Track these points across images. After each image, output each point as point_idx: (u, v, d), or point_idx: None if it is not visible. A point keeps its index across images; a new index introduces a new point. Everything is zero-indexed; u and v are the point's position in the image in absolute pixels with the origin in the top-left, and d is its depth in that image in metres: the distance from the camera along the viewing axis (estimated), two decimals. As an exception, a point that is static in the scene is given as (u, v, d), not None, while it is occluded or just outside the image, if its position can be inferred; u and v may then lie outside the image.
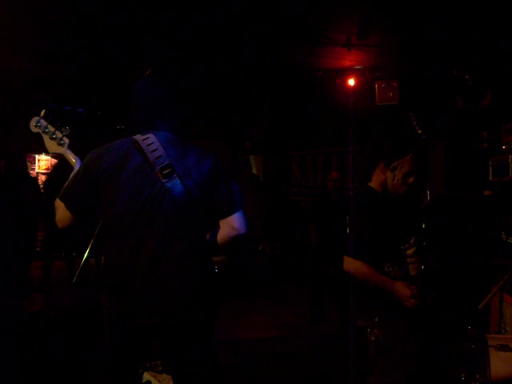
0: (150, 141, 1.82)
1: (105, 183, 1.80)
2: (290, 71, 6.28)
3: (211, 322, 1.88)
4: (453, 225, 5.10)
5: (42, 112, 2.11)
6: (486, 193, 4.90)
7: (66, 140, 2.11)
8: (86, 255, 2.92)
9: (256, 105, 7.67)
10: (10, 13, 4.37)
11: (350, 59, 5.72)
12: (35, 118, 2.10)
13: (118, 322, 1.81)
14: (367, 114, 6.16)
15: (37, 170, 9.12)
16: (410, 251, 2.44)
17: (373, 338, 2.34)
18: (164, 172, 1.77)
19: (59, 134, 2.10)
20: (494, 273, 3.75)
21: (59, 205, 1.87)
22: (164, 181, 1.76)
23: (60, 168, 6.47)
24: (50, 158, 9.24)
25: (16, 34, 4.94)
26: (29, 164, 8.83)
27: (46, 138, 2.11)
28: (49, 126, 2.10)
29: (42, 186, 7.07)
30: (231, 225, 1.87)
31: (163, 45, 5.26)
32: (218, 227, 1.91)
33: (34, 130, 2.11)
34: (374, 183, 2.50)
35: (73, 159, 2.09)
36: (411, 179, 2.43)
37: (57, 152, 2.12)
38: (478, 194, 5.02)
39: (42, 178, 8.89)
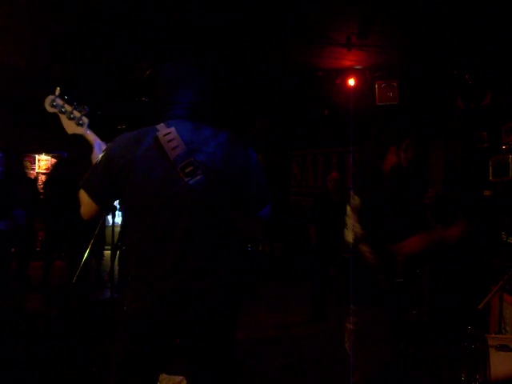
0: (171, 137, 1.75)
1: (127, 175, 1.73)
2: (290, 71, 6.28)
3: (235, 323, 1.84)
4: (453, 225, 5.10)
5: (57, 90, 1.96)
6: (486, 193, 4.90)
7: (86, 120, 1.98)
8: (86, 255, 2.93)
9: (256, 105, 7.67)
10: (10, 13, 4.37)
11: (350, 59, 5.72)
12: (50, 97, 1.95)
13: (142, 318, 1.74)
14: (367, 114, 6.16)
15: (37, 170, 9.13)
16: None
17: (351, 327, 2.35)
18: (186, 171, 1.71)
19: (77, 114, 1.97)
20: (494, 273, 3.75)
21: (84, 197, 1.81)
22: (186, 179, 1.71)
23: (60, 168, 6.47)
24: (49, 158, 9.25)
25: (16, 34, 4.95)
26: (29, 164, 8.82)
27: (63, 117, 1.97)
28: (65, 105, 1.96)
29: (41, 186, 7.07)
30: (258, 217, 1.89)
31: (163, 45, 5.26)
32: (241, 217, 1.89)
33: (50, 109, 1.95)
34: (386, 167, 2.52)
35: (94, 140, 1.98)
36: (413, 155, 2.51)
37: (76, 132, 1.99)
38: (478, 193, 5.02)
39: (42, 178, 8.90)
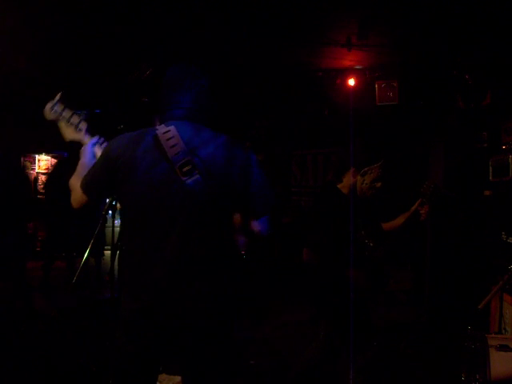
0: (170, 135, 1.73)
1: (126, 175, 1.72)
2: (290, 71, 6.28)
3: (231, 329, 1.81)
4: (453, 225, 5.10)
5: (58, 95, 1.93)
6: (486, 193, 4.90)
7: (84, 125, 1.94)
8: (86, 255, 2.92)
9: (256, 105, 7.67)
10: (10, 13, 4.37)
11: (349, 59, 5.72)
12: (50, 103, 1.92)
13: (139, 320, 1.71)
14: (367, 114, 6.16)
15: (37, 170, 9.13)
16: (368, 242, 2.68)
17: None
18: (184, 170, 1.69)
19: (76, 119, 1.93)
20: (494, 273, 3.75)
21: (75, 186, 1.81)
22: (184, 179, 1.69)
23: (60, 168, 6.47)
24: (49, 158, 9.25)
25: (16, 34, 4.94)
26: (29, 164, 8.84)
27: (61, 124, 1.94)
28: (65, 111, 1.93)
29: (42, 187, 7.09)
30: (255, 227, 1.85)
31: (162, 45, 5.26)
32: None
33: (49, 116, 1.92)
34: (343, 185, 2.71)
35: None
36: (378, 184, 2.67)
37: (74, 139, 1.95)
38: (477, 193, 5.02)
39: (42, 178, 8.90)
